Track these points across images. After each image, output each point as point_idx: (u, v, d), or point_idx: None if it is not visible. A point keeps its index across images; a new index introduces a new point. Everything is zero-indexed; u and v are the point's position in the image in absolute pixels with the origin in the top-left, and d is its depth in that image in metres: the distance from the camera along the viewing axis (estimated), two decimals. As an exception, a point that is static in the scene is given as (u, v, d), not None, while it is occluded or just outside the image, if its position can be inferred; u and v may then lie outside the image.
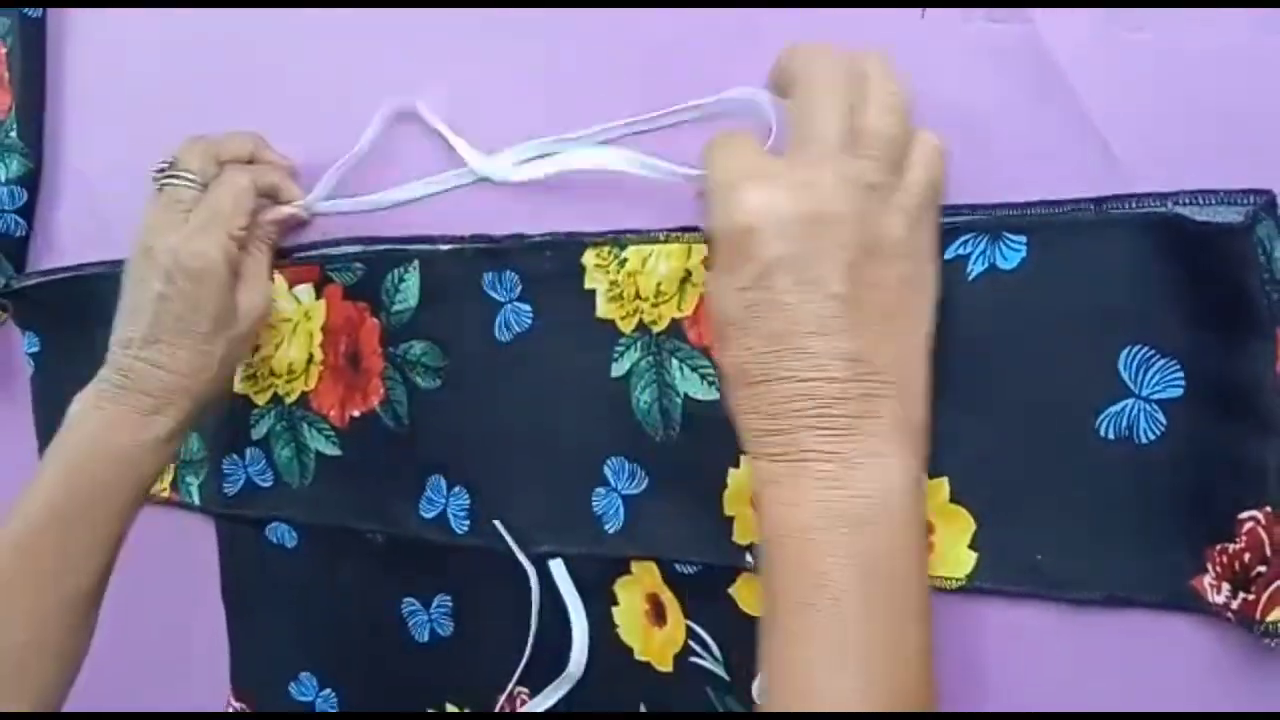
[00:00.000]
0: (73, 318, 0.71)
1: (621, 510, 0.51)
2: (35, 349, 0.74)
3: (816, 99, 0.37)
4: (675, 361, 0.48)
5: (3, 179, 0.71)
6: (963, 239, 0.42)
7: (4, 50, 0.71)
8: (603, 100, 0.51)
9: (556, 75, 0.52)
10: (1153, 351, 0.40)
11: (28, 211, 0.72)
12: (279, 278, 0.61)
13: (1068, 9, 0.40)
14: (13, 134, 0.71)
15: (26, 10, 0.69)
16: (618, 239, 0.50)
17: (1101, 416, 0.41)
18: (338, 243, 0.59)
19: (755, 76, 0.46)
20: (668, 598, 0.51)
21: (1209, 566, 0.39)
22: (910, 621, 0.36)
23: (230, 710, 0.67)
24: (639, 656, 0.52)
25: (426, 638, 0.60)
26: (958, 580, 0.44)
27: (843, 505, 0.35)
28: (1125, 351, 0.40)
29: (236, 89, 0.64)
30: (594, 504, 0.52)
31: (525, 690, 0.56)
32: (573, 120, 0.51)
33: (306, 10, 0.60)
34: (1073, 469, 0.41)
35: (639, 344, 0.50)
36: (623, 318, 0.50)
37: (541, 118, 0.52)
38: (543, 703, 0.54)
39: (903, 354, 0.37)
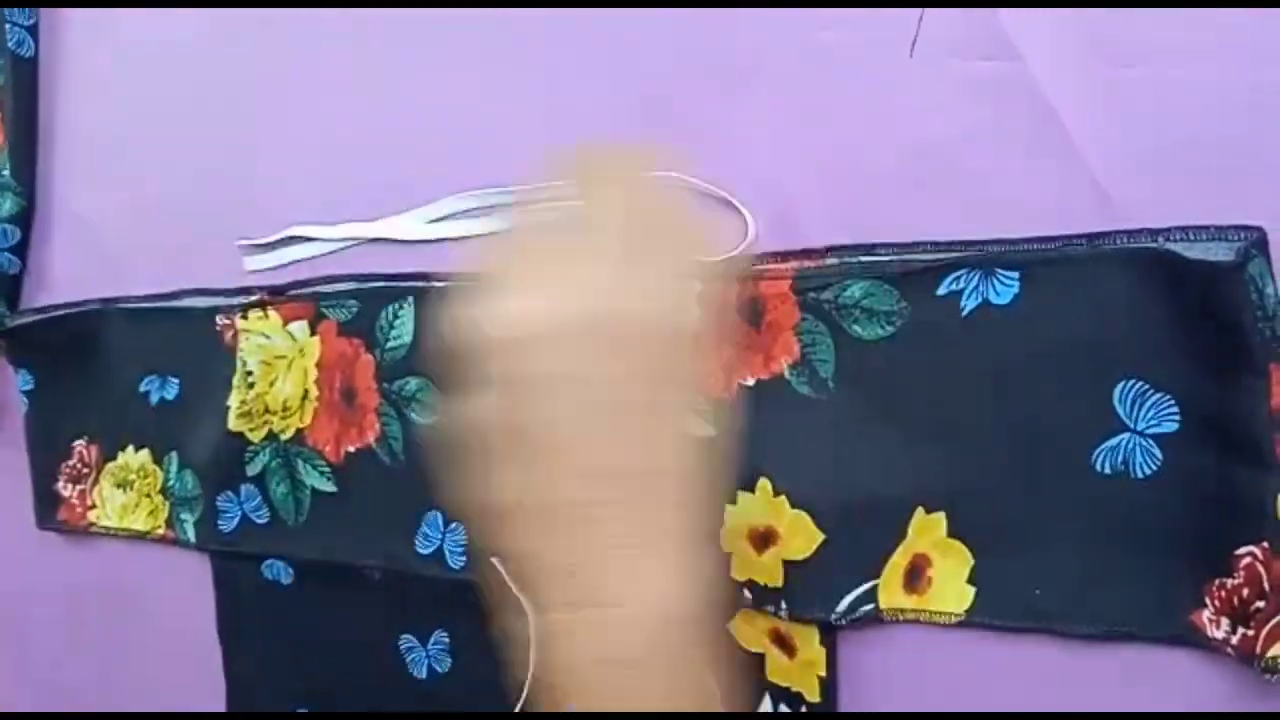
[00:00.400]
0: (66, 355, 0.71)
1: (619, 546, 0.51)
2: (29, 386, 0.73)
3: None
4: (671, 398, 0.48)
5: (-4, 217, 0.71)
6: (955, 274, 0.42)
7: (-4, 88, 0.71)
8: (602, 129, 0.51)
9: (555, 104, 0.52)
10: (1147, 386, 0.40)
11: (21, 249, 0.72)
12: (273, 314, 0.61)
13: (1057, 45, 0.40)
14: (5, 172, 0.71)
15: (19, 50, 0.69)
16: (612, 275, 0.50)
17: (1097, 451, 0.41)
18: (332, 279, 0.59)
19: (750, 107, 0.47)
20: (666, 634, 0.51)
21: (1208, 601, 0.39)
22: None
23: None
24: (638, 693, 0.52)
25: (424, 674, 0.59)
26: (956, 615, 0.44)
27: (611, 646, 0.32)
28: (1120, 386, 0.40)
29: (229, 127, 0.64)
30: (591, 540, 0.52)
31: (525, 727, 0.55)
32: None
33: (303, 44, 0.60)
34: (1070, 503, 0.41)
35: (634, 380, 0.50)
36: (617, 354, 0.50)
37: (539, 149, 0.52)
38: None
39: (663, 455, 0.33)
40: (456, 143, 0.55)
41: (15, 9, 0.69)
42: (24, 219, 0.72)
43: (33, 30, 0.70)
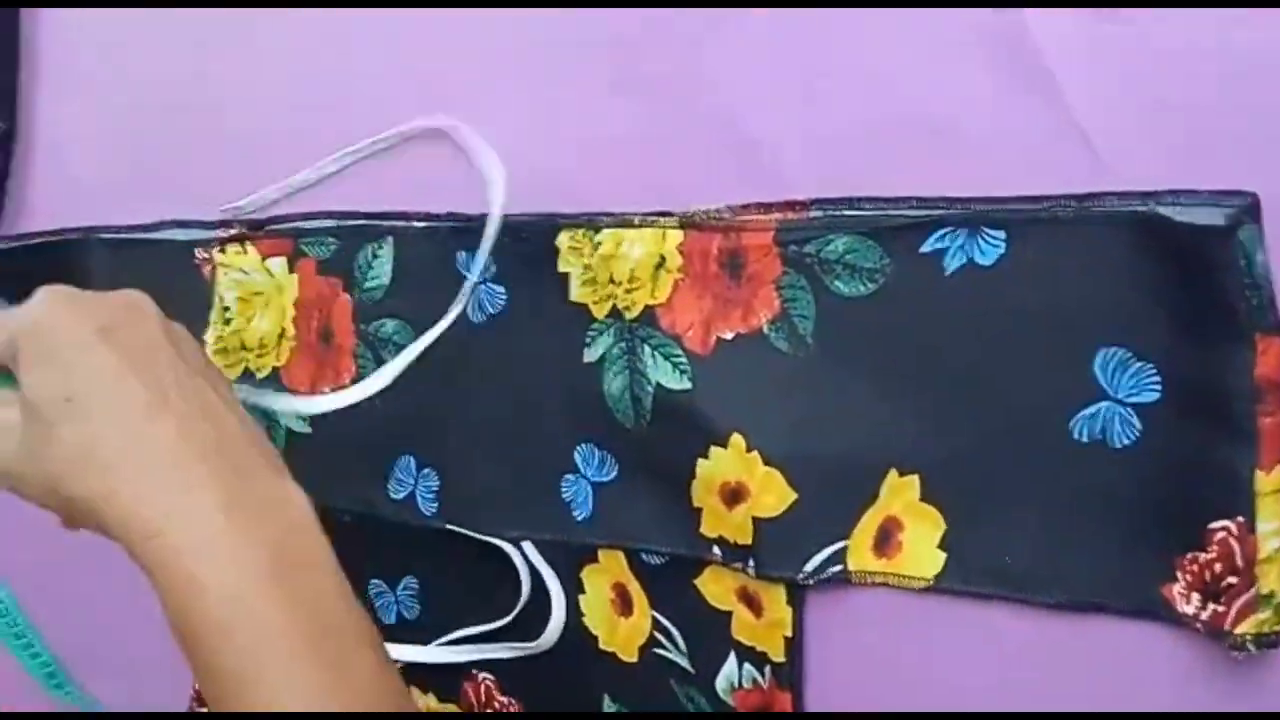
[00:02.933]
0: (45, 284, 0.70)
1: (590, 498, 0.51)
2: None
3: None
4: (648, 349, 0.48)
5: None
6: (940, 232, 0.42)
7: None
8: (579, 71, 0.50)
9: (532, 43, 0.51)
10: (1129, 354, 0.39)
11: (1, 175, 0.71)
12: (251, 250, 0.60)
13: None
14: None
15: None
16: (592, 221, 0.49)
17: (1075, 419, 0.40)
18: (311, 216, 0.58)
19: (736, 55, 0.46)
20: (634, 588, 0.50)
21: (1179, 575, 0.38)
22: None
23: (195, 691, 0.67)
24: (604, 646, 0.52)
25: (393, 619, 0.59)
26: (925, 580, 0.43)
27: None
28: (1102, 353, 0.39)
29: (211, 60, 0.62)
30: (563, 490, 0.52)
31: (490, 678, 0.55)
32: (544, 95, 0.51)
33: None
34: (1045, 471, 0.41)
35: (612, 330, 0.49)
36: (596, 303, 0.49)
37: (513, 98, 0.52)
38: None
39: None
40: (432, 78, 0.54)
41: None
42: (4, 145, 0.70)
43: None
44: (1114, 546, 0.40)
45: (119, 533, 0.34)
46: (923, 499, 0.43)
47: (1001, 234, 0.41)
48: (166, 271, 0.64)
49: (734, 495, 0.46)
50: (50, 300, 0.38)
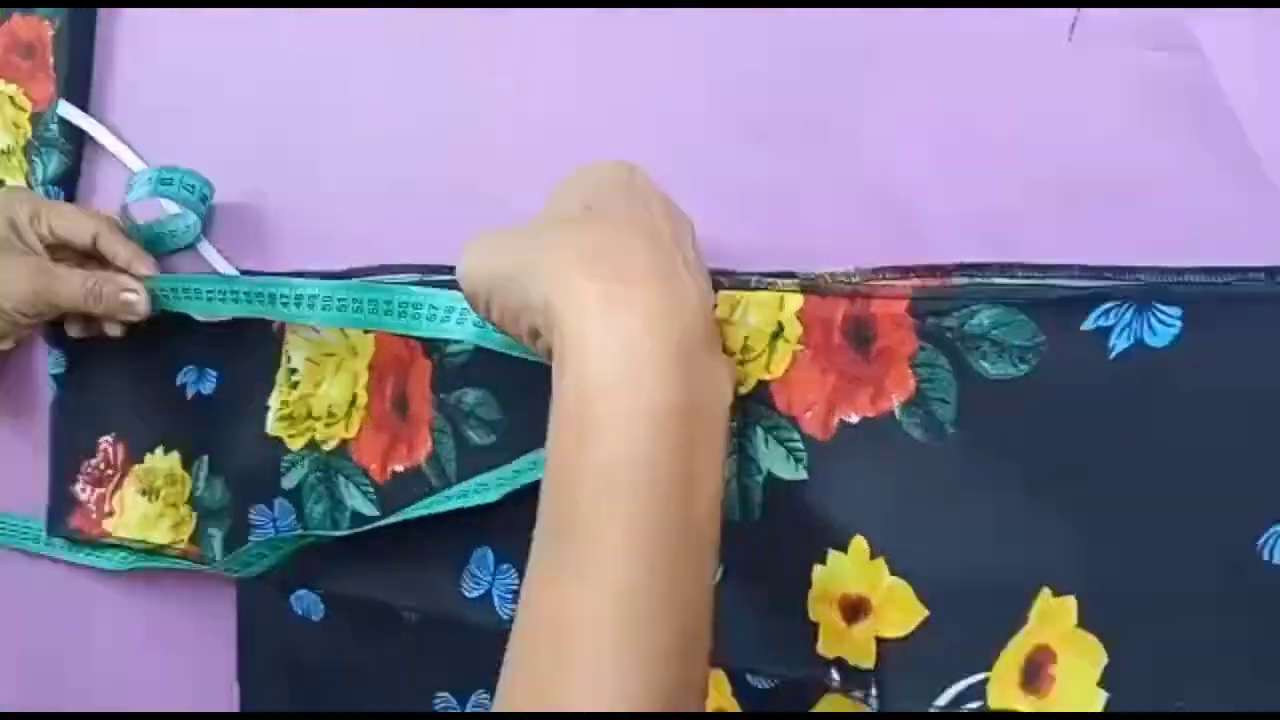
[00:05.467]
0: (102, 337, 0.77)
1: (689, 606, 0.54)
2: (59, 370, 0.79)
3: None
4: (760, 431, 0.51)
5: (40, 178, 0.79)
6: (1104, 308, 0.44)
7: (51, 33, 0.78)
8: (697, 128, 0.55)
9: (657, 103, 0.57)
10: (1332, 458, 0.40)
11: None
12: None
13: (1242, 33, 0.42)
14: (53, 127, 0.78)
15: None
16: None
17: (1266, 535, 0.41)
18: (389, 269, 0.64)
19: (874, 102, 0.49)
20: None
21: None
22: None
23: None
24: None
25: (460, 743, 0.63)
26: (1081, 724, 0.45)
27: None
28: (1298, 455, 0.41)
29: (286, 100, 0.70)
30: (658, 596, 0.55)
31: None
32: (672, 139, 0.55)
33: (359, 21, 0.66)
34: (1228, 597, 0.42)
35: (721, 408, 0.52)
36: (705, 376, 0.53)
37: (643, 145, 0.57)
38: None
39: None
40: (548, 141, 0.60)
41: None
42: (70, 181, 0.79)
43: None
44: (1311, 692, 0.41)
45: (558, 309, 0.43)
46: (1080, 625, 0.45)
47: (1177, 311, 0.43)
48: (231, 324, 0.70)
49: (855, 609, 0.48)
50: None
